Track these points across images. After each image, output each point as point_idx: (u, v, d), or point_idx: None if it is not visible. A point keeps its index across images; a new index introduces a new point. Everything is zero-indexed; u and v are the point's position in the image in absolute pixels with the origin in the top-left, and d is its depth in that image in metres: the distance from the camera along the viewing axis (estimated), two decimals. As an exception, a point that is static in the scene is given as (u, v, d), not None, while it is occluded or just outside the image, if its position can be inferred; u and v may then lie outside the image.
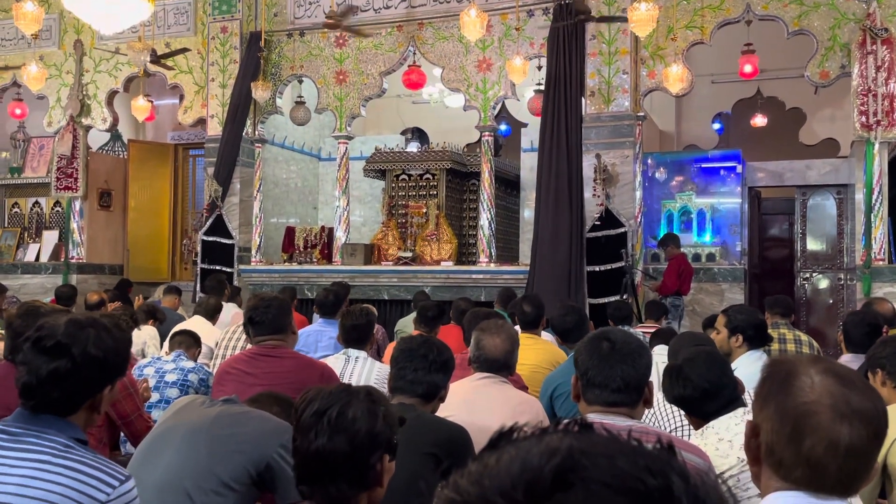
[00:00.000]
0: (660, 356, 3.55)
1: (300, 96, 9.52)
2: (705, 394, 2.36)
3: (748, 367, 3.43)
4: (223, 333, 4.90)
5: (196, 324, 5.02)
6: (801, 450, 1.25)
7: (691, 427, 2.50)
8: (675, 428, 2.83)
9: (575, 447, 0.53)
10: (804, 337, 4.85)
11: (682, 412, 2.58)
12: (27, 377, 1.68)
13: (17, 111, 10.15)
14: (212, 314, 5.68)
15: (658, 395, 2.84)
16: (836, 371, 1.31)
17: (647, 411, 2.53)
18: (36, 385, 1.67)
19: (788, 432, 1.26)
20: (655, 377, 2.74)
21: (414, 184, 8.93)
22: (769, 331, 4.14)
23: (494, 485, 0.52)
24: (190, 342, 4.37)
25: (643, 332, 5.09)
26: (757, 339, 3.62)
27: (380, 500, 1.68)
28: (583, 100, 7.82)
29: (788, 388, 1.29)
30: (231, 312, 6.20)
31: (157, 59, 8.28)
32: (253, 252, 9.32)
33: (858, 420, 1.24)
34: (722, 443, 2.20)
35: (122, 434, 3.37)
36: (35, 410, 1.69)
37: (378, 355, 5.07)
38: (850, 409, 1.25)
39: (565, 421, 0.58)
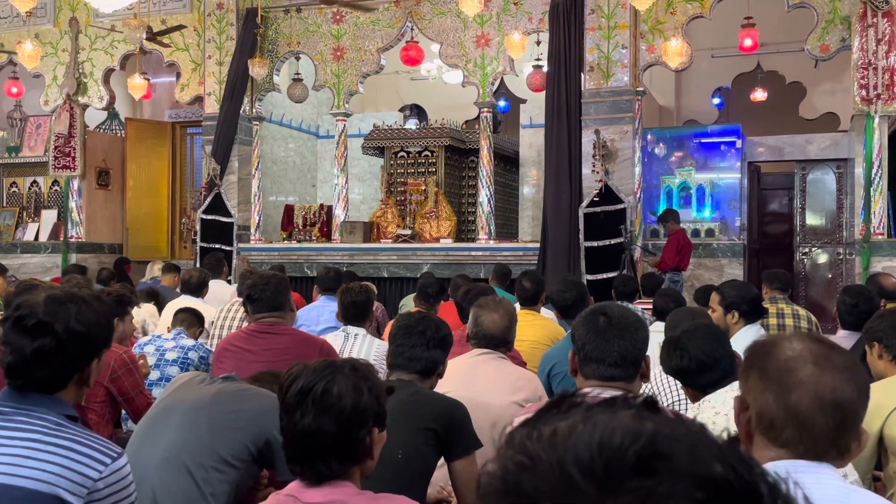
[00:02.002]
0: (657, 333, 3.56)
1: (297, 73, 9.46)
2: (702, 366, 2.38)
3: (747, 341, 3.44)
4: (218, 312, 4.89)
5: (185, 304, 4.98)
6: (789, 405, 1.27)
7: (688, 400, 2.51)
8: (672, 402, 2.85)
9: (659, 433, 0.50)
10: (802, 311, 4.85)
11: (679, 386, 2.59)
12: (11, 357, 1.65)
13: (14, 90, 10.09)
14: (198, 290, 5.54)
15: (656, 370, 2.86)
16: (815, 337, 1.36)
17: (644, 385, 2.54)
18: (21, 365, 1.64)
19: (775, 390, 1.29)
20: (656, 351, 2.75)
21: (413, 161, 8.90)
22: (767, 305, 4.15)
23: (571, 456, 0.49)
24: (192, 320, 4.38)
25: (642, 309, 5.11)
26: (752, 313, 3.63)
27: (371, 470, 1.67)
28: (582, 75, 7.78)
29: (770, 354, 1.33)
30: (230, 291, 6.18)
31: (152, 36, 8.21)
32: (252, 230, 9.32)
33: (840, 373, 1.29)
34: (718, 416, 2.21)
35: (122, 411, 3.39)
36: (22, 390, 1.67)
37: (378, 333, 5.09)
38: (832, 364, 1.29)
39: (631, 396, 0.56)
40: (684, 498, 0.47)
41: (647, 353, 2.07)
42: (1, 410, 1.67)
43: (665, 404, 2.82)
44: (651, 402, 0.54)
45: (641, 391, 2.41)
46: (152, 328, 5.13)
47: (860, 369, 1.34)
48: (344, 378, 1.60)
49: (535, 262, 7.61)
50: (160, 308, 5.44)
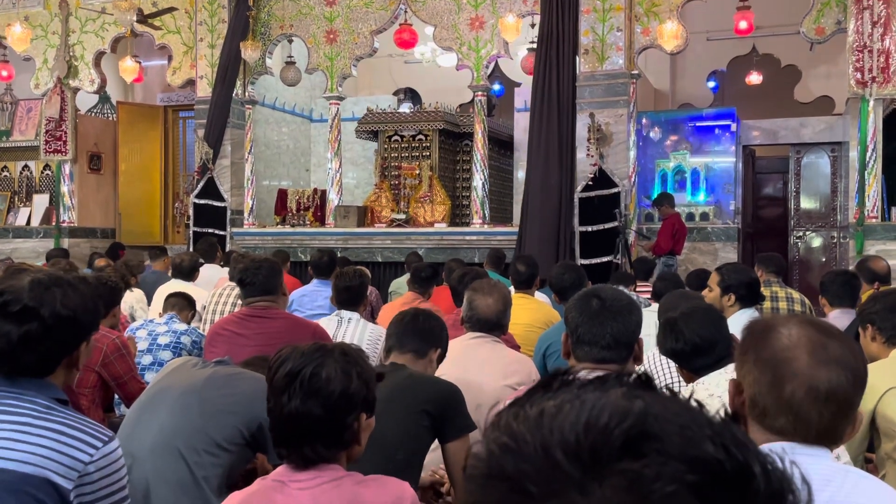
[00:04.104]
0: (651, 315, 3.56)
1: (290, 56, 9.39)
2: (697, 349, 2.37)
3: (742, 326, 3.43)
4: (210, 297, 4.87)
5: (176, 289, 4.97)
6: (783, 396, 1.27)
7: (682, 381, 2.51)
8: (666, 383, 2.84)
9: (649, 412, 0.47)
10: (796, 295, 4.86)
11: (674, 367, 2.59)
12: None
13: (4, 73, 10.00)
14: (189, 274, 5.53)
15: (651, 351, 2.86)
16: (814, 322, 1.34)
17: (637, 368, 2.53)
18: (8, 351, 1.61)
19: (769, 380, 1.28)
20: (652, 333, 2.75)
21: (407, 145, 8.86)
22: (761, 289, 4.15)
23: (556, 438, 0.47)
24: (183, 304, 4.36)
25: (637, 294, 5.11)
26: (749, 297, 3.62)
27: (358, 456, 1.66)
28: (577, 58, 7.73)
29: (766, 339, 1.32)
30: (218, 276, 6.14)
31: (143, 18, 8.14)
32: (245, 215, 9.28)
33: (836, 364, 1.27)
34: (712, 398, 2.21)
35: (115, 395, 3.38)
36: (10, 375, 1.65)
37: (372, 317, 5.08)
38: (827, 355, 1.27)
39: (624, 374, 0.53)
40: (674, 481, 0.44)
41: (640, 336, 2.07)
42: None
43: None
44: (645, 380, 0.52)
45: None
46: (141, 314, 5.11)
47: (857, 356, 1.32)
48: (333, 362, 1.59)
49: (530, 246, 7.57)
50: (140, 286, 5.43)
